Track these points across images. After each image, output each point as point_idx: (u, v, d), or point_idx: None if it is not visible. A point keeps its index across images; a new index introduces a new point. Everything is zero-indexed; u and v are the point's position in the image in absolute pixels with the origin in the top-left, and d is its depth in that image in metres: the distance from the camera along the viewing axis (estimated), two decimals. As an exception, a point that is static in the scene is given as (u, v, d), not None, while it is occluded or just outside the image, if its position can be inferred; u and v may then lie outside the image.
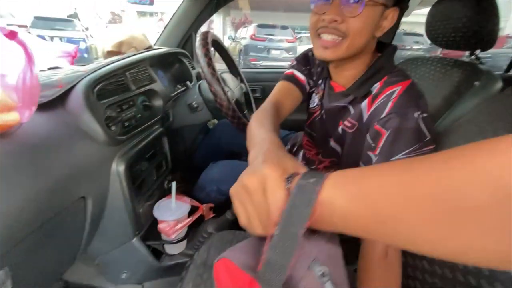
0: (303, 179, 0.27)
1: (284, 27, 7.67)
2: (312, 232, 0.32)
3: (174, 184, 0.73)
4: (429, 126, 0.49)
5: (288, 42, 7.37)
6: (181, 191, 1.14)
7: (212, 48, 1.02)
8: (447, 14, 0.79)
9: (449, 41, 0.80)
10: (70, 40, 7.57)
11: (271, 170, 0.31)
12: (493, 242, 0.17)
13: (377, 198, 0.23)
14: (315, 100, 0.75)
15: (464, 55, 0.87)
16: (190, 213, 0.77)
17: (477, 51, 0.78)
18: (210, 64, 0.77)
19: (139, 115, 0.72)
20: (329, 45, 0.54)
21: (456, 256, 0.20)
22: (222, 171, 0.87)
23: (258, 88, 1.44)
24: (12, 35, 0.37)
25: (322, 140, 0.73)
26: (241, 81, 1.13)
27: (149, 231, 0.79)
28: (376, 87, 0.57)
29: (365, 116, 0.57)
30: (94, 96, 0.59)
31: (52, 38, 7.44)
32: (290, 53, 7.17)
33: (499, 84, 0.71)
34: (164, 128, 0.84)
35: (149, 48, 0.97)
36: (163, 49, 1.02)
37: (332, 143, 0.69)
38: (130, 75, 0.71)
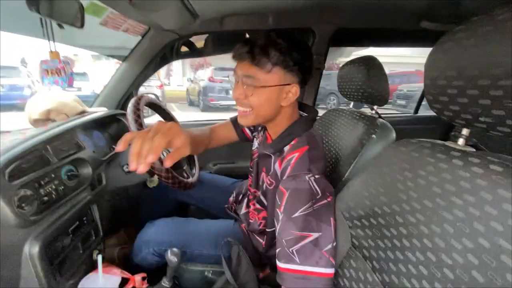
0: None
1: (239, 70, 8.17)
2: None
3: (100, 257, 0.69)
4: (321, 185, 0.57)
5: (245, 83, 7.82)
6: (124, 253, 1.07)
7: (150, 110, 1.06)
8: (349, 77, 0.95)
9: (354, 97, 0.96)
10: (13, 87, 7.12)
11: None
12: None
13: None
14: (255, 144, 0.87)
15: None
16: (122, 286, 0.73)
17: (375, 107, 0.93)
18: (139, 129, 0.80)
19: (62, 187, 0.70)
20: (241, 114, 0.67)
21: None
22: (158, 231, 0.85)
23: (203, 139, 1.48)
24: None
25: (256, 184, 0.80)
26: (182, 135, 1.17)
27: None
28: (287, 148, 0.66)
29: (279, 176, 0.65)
30: (6, 178, 0.57)
31: (-9, 85, 6.94)
32: (247, 93, 7.58)
33: (393, 135, 0.85)
34: (94, 194, 0.82)
35: (82, 112, 0.97)
36: (99, 112, 1.03)
37: (261, 197, 0.75)
38: (53, 147, 0.71)
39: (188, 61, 15.21)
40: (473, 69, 0.33)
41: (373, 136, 0.81)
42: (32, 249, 0.58)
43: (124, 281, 0.75)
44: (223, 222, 0.93)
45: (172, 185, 0.84)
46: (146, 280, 0.75)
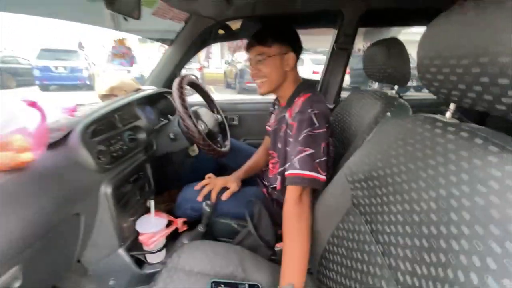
0: None
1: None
2: None
3: (152, 202, 0.89)
4: (319, 119, 0.77)
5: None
6: (168, 209, 1.30)
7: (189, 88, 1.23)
8: (372, 58, 0.99)
9: (378, 77, 1.00)
10: (73, 69, 8.01)
11: None
12: None
13: None
14: (271, 119, 1.09)
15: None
16: (168, 227, 0.93)
17: (395, 87, 0.97)
18: (183, 104, 0.96)
19: (125, 147, 0.90)
20: (259, 86, 0.93)
21: None
22: (194, 192, 1.03)
23: (236, 117, 1.64)
24: (32, 104, 0.55)
25: (274, 147, 0.99)
26: (217, 112, 1.33)
27: (134, 243, 0.94)
28: (295, 99, 0.88)
29: (289, 120, 0.86)
30: (89, 136, 0.77)
31: (56, 67, 7.89)
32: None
33: (409, 114, 0.90)
34: (147, 155, 1.02)
35: (138, 90, 1.17)
36: (150, 90, 1.23)
37: (279, 145, 0.93)
38: (118, 116, 0.90)
39: (226, 43, 15.35)
40: (446, 50, 0.40)
41: (388, 114, 0.87)
42: (107, 189, 0.79)
43: (169, 224, 0.95)
44: (248, 187, 1.09)
45: (208, 151, 1.01)
46: (186, 225, 0.95)
